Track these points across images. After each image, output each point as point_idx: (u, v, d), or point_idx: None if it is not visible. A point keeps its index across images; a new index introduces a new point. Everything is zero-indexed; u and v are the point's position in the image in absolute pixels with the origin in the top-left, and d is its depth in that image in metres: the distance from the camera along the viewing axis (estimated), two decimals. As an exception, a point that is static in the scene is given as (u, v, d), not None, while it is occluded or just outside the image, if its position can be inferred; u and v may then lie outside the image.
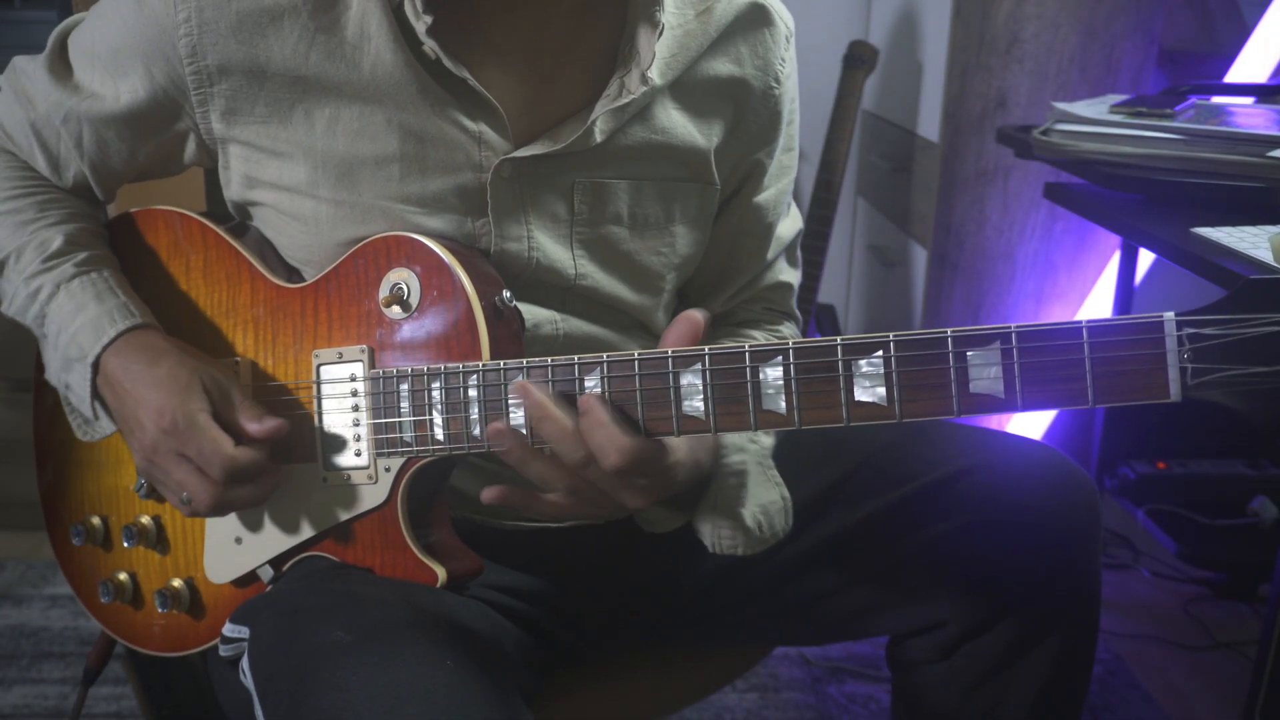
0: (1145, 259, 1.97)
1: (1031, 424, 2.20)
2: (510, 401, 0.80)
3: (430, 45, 0.83)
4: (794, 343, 0.73)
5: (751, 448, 0.97)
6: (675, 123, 0.93)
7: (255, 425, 0.85)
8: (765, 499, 0.94)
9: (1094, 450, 2.06)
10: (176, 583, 0.96)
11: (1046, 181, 1.69)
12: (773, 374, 0.73)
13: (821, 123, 2.34)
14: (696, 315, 0.78)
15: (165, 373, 0.86)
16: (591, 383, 0.78)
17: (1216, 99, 1.59)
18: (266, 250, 0.95)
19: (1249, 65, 1.91)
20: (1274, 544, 1.88)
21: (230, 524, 0.92)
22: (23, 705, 1.76)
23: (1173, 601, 2.04)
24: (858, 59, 2.28)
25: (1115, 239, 2.00)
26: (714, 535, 0.95)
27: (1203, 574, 2.05)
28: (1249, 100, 1.62)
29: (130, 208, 0.99)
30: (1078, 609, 0.96)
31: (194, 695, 1.11)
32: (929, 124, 2.23)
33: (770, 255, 1.05)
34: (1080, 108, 1.46)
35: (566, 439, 0.76)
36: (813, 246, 2.32)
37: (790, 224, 1.07)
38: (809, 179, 2.42)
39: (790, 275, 1.09)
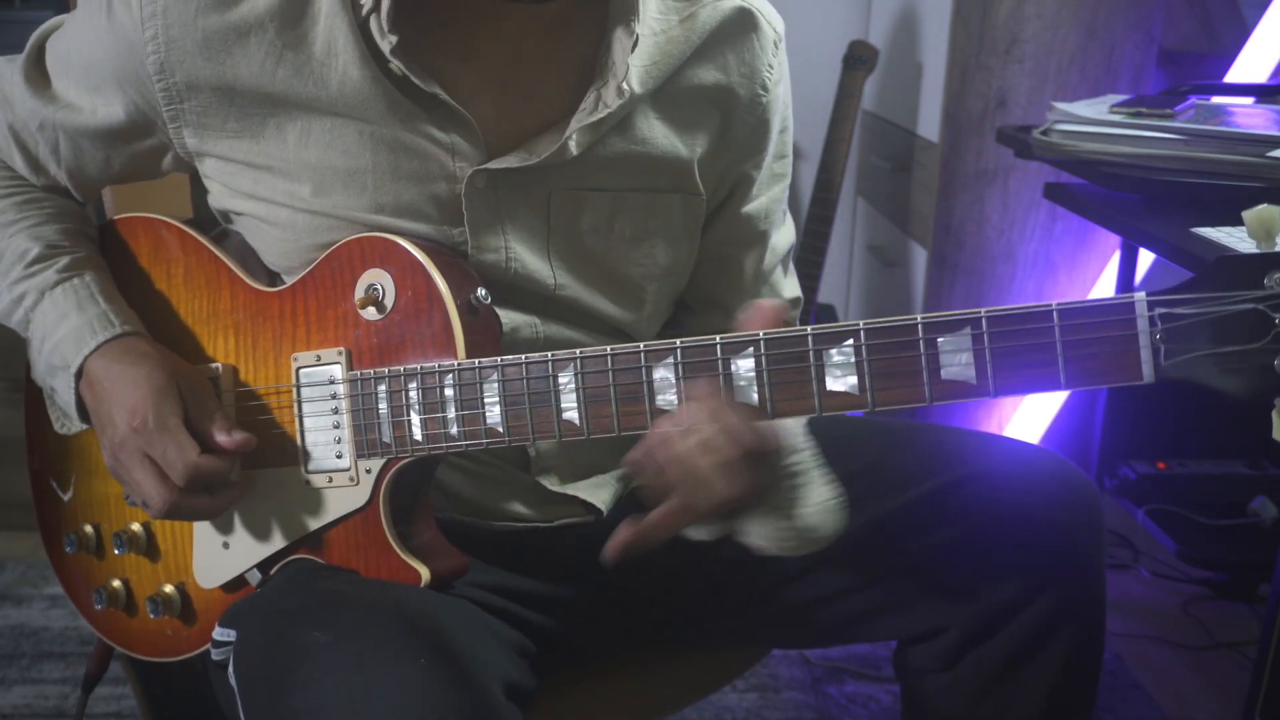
0: (1145, 259, 1.97)
1: (1031, 424, 2.20)
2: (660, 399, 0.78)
3: (396, 65, 0.82)
4: (765, 333, 0.72)
5: (806, 446, 0.94)
6: (656, 133, 0.91)
7: (224, 437, 0.86)
8: (822, 497, 0.91)
9: (1094, 450, 2.06)
10: (168, 589, 0.96)
11: (1046, 181, 1.69)
12: (744, 365, 0.73)
13: (821, 123, 2.34)
14: (765, 302, 0.76)
15: (144, 374, 0.86)
16: (565, 379, 0.78)
17: (1216, 99, 1.59)
18: (248, 256, 0.94)
19: (1249, 65, 1.91)
20: (1274, 544, 1.88)
21: (218, 529, 0.92)
22: (23, 705, 1.76)
23: (1173, 601, 2.04)
24: (858, 59, 2.28)
25: (1115, 239, 2.00)
26: (771, 537, 0.90)
27: (1203, 574, 2.04)
28: (1249, 100, 1.62)
29: (120, 210, 0.99)
30: (1082, 614, 0.95)
31: (194, 696, 1.11)
32: (929, 124, 2.23)
33: (766, 265, 1.03)
34: (1080, 108, 1.46)
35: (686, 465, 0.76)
36: (813, 247, 2.32)
37: (785, 235, 1.05)
38: (809, 179, 2.42)
39: (793, 289, 1.07)
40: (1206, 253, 1.15)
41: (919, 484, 0.96)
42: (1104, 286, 2.09)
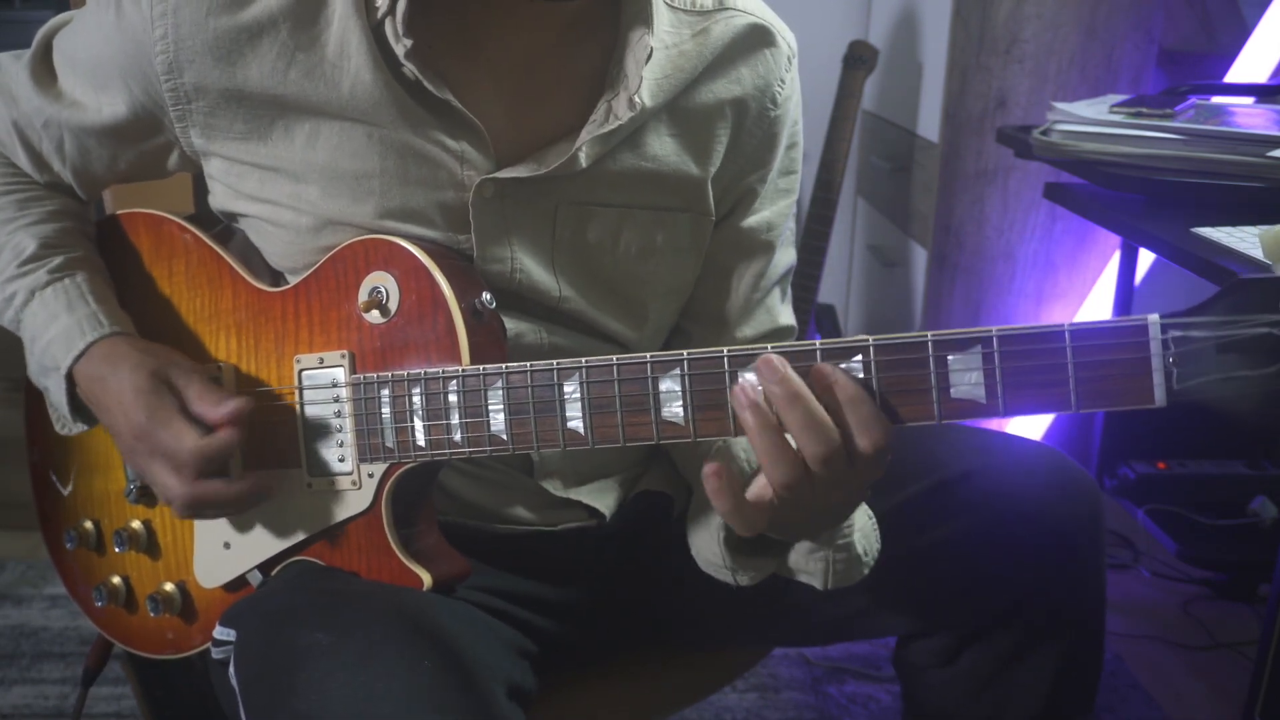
0: (1145, 259, 1.97)
1: (1031, 424, 2.20)
2: (746, 379, 0.72)
3: (409, 69, 0.82)
4: (772, 347, 0.71)
5: None
6: (668, 150, 0.90)
7: (213, 411, 0.84)
8: (861, 522, 0.89)
9: (1094, 450, 2.06)
10: (168, 587, 0.96)
11: (1046, 181, 1.69)
12: (752, 379, 0.72)
13: (821, 123, 2.34)
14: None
15: (126, 377, 0.86)
16: (570, 388, 0.77)
17: (1216, 99, 1.59)
18: (251, 254, 0.94)
19: (1249, 65, 1.91)
20: (1274, 544, 1.88)
21: (219, 529, 0.92)
22: (23, 705, 1.76)
23: (1173, 601, 2.04)
24: (858, 59, 2.28)
25: (1115, 239, 2.00)
26: (823, 571, 0.88)
27: (1203, 574, 2.05)
28: (1249, 100, 1.62)
29: (121, 208, 0.99)
30: (1082, 611, 0.95)
31: (194, 696, 1.11)
32: (929, 124, 2.23)
33: (765, 281, 1.00)
34: (1080, 108, 1.46)
35: (815, 427, 0.69)
36: (813, 246, 2.32)
37: (786, 255, 1.03)
38: (809, 179, 2.42)
39: (789, 316, 1.05)
40: (1206, 253, 1.15)
41: (920, 480, 0.96)
42: (1104, 286, 2.09)
